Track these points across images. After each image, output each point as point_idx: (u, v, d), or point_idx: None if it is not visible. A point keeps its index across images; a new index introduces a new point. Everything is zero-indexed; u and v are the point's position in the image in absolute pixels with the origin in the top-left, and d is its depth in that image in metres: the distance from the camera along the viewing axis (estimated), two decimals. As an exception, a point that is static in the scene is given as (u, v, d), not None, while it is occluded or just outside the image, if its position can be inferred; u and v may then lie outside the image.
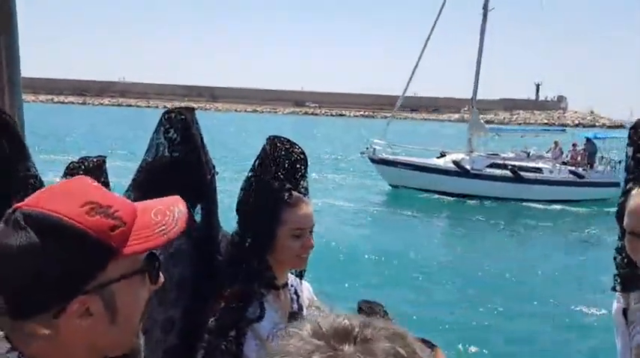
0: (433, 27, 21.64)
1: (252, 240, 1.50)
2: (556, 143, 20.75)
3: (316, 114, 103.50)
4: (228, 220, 1.62)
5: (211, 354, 1.43)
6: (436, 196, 18.44)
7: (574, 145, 20.68)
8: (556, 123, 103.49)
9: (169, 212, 0.82)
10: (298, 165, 1.55)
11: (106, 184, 1.63)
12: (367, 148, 19.08)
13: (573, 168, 19.51)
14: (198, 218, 1.65)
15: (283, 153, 1.54)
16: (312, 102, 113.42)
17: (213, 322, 1.45)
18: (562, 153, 20.76)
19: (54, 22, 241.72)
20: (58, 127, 37.94)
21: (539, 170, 19.20)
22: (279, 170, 1.52)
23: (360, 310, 1.53)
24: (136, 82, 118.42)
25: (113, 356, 0.84)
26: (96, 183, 0.84)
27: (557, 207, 18.23)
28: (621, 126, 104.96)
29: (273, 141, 1.55)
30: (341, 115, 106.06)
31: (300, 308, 1.64)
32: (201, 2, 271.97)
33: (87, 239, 0.75)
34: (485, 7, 21.05)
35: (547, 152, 20.77)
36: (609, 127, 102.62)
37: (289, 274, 1.64)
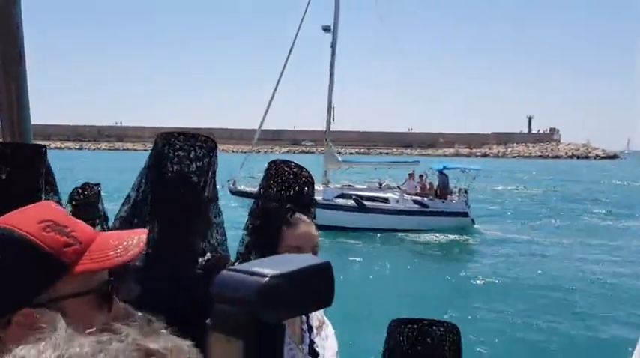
0: (285, 64, 22.87)
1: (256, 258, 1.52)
2: (411, 174, 21.32)
3: (313, 153, 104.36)
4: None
5: None
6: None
7: (421, 176, 21.30)
8: (550, 155, 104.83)
9: (129, 238, 0.86)
10: (306, 188, 1.58)
11: (102, 211, 1.68)
12: (228, 181, 19.66)
13: (419, 198, 19.96)
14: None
15: (292, 176, 1.57)
16: (308, 141, 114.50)
17: None
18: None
19: (47, 68, 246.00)
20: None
21: (385, 200, 19.81)
22: (282, 191, 1.56)
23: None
24: (131, 125, 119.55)
25: None
26: (59, 208, 0.87)
27: (400, 236, 18.63)
28: (615, 157, 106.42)
29: (276, 164, 1.58)
30: (337, 153, 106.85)
31: (310, 328, 1.64)
32: (194, 44, 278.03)
33: (38, 252, 0.77)
34: (333, 46, 22.79)
35: (403, 183, 21.32)
36: (602, 158, 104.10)
37: None
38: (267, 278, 0.60)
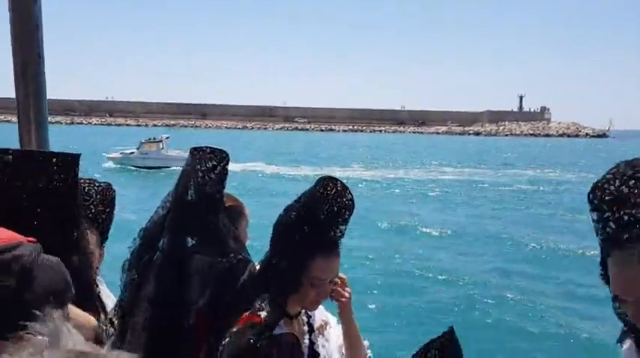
0: None
1: (283, 271, 1.52)
2: None
3: (306, 130, 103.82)
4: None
5: None
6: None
7: None
8: (541, 134, 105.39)
9: None
10: (344, 210, 1.54)
11: (110, 213, 1.73)
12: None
13: None
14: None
15: (336, 195, 1.52)
16: (301, 118, 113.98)
17: (226, 343, 1.46)
18: None
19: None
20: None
21: None
22: (326, 213, 1.52)
23: None
24: (123, 100, 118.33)
25: None
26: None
27: None
28: (604, 136, 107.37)
29: (327, 182, 1.54)
30: (331, 130, 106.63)
31: (312, 329, 1.64)
32: (187, 21, 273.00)
33: None
34: None
35: None
36: (592, 137, 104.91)
37: None
38: None
